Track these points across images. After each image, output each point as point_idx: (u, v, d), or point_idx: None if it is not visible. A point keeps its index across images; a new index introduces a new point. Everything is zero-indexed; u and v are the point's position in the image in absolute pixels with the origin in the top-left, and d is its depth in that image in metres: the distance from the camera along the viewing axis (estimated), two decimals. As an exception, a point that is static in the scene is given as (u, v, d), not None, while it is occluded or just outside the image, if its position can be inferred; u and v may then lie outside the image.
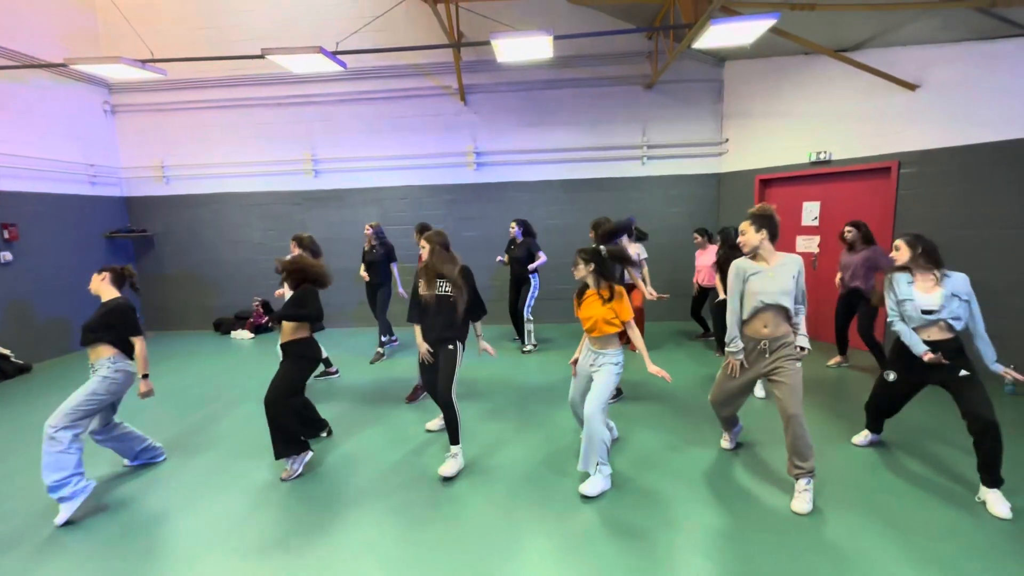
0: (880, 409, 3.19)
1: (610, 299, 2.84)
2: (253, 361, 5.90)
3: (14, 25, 5.88)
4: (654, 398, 4.27)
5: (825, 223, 5.68)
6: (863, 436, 3.35)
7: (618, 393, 4.32)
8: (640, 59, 6.66)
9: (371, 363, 5.60)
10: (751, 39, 4.22)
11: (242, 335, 7.09)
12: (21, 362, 5.66)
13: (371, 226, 5.52)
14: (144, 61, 4.88)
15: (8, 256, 5.79)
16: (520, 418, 3.95)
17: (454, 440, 3.15)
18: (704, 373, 4.85)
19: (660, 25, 5.92)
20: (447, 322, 3.16)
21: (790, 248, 5.96)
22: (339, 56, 4.88)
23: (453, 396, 3.13)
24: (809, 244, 5.83)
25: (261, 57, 4.67)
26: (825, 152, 5.51)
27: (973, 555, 2.24)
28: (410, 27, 6.62)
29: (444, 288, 3.16)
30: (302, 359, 3.25)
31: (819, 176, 5.67)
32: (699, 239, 5.78)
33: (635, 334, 2.95)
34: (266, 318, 7.35)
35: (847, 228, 4.59)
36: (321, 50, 4.53)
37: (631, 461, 3.21)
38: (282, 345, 3.24)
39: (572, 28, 6.38)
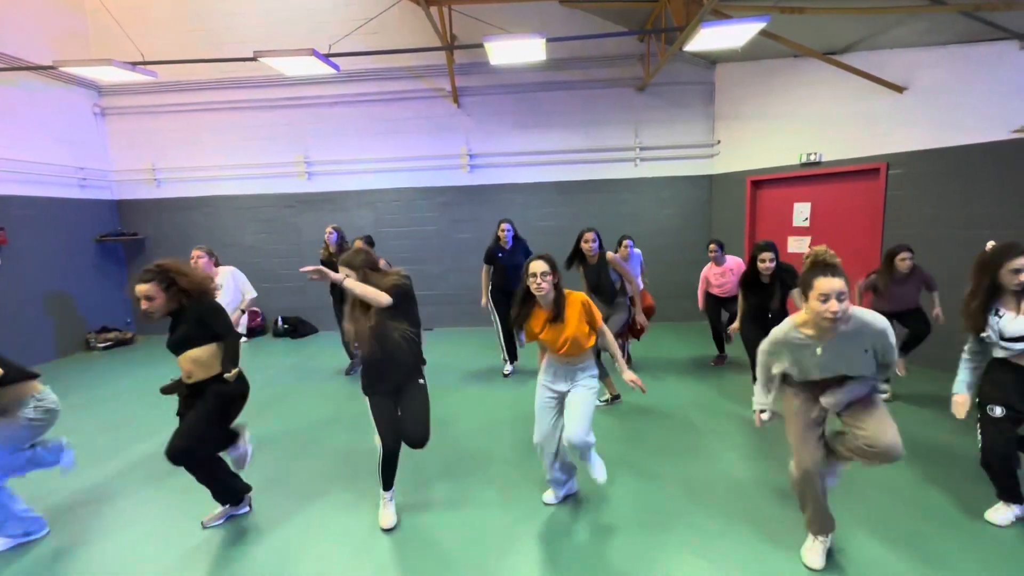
0: (1011, 461, 2.34)
1: (557, 318, 2.40)
2: (246, 364, 5.84)
3: (2, 27, 5.83)
4: (648, 413, 3.95)
5: (816, 224, 5.75)
6: (1004, 511, 2.42)
7: (615, 397, 4.12)
8: (632, 61, 6.70)
9: (347, 374, 5.17)
10: (742, 42, 4.27)
11: (235, 339, 7.03)
12: (10, 367, 5.58)
13: (334, 228, 4.89)
14: (134, 63, 4.85)
15: (-4, 260, 5.73)
16: (509, 448, 3.45)
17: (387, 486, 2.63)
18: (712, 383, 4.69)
19: (652, 28, 5.97)
20: (401, 358, 2.52)
21: (781, 248, 6.01)
22: (332, 59, 4.88)
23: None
24: (800, 245, 5.89)
25: (253, 60, 4.66)
26: (815, 153, 5.57)
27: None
28: (403, 30, 6.62)
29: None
30: (232, 397, 2.58)
31: (809, 177, 5.73)
32: (714, 251, 4.83)
33: (609, 339, 2.54)
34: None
35: (903, 254, 3.76)
36: (314, 52, 4.52)
37: (628, 493, 2.86)
38: (197, 385, 2.50)
39: (565, 31, 6.41)
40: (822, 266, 1.96)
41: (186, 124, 7.16)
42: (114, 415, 4.31)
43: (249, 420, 3.99)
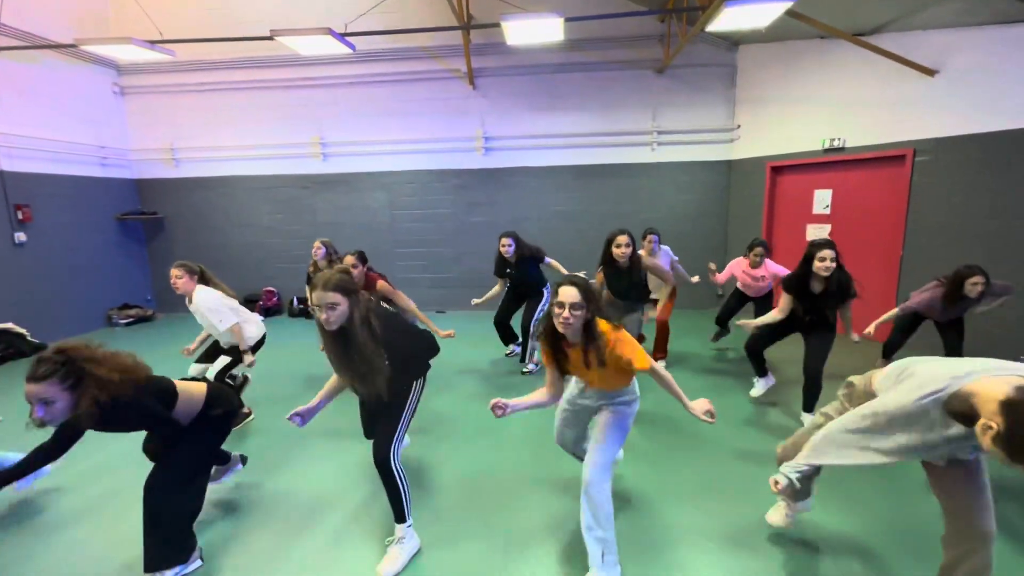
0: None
1: (602, 363, 1.87)
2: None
3: (25, 6, 5.86)
4: (669, 428, 3.40)
5: (836, 211, 5.62)
6: None
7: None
8: (652, 43, 6.55)
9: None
10: (766, 22, 4.14)
11: (251, 317, 7.16)
12: (36, 341, 5.76)
13: (323, 243, 4.54)
14: (153, 42, 4.87)
15: (22, 237, 5.86)
16: (515, 469, 2.97)
17: (400, 517, 2.16)
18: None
19: (673, 8, 5.81)
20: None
21: (799, 238, 5.91)
22: (348, 38, 4.84)
23: (392, 457, 2.09)
24: (819, 233, 5.77)
25: (270, 39, 4.65)
26: (839, 139, 5.42)
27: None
28: (420, 9, 6.54)
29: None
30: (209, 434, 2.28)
31: (831, 163, 5.59)
32: (758, 255, 4.33)
33: (663, 376, 1.97)
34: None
35: (976, 278, 3.28)
36: (330, 32, 4.50)
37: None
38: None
39: (583, 10, 6.26)
40: None
41: (203, 103, 7.20)
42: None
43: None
